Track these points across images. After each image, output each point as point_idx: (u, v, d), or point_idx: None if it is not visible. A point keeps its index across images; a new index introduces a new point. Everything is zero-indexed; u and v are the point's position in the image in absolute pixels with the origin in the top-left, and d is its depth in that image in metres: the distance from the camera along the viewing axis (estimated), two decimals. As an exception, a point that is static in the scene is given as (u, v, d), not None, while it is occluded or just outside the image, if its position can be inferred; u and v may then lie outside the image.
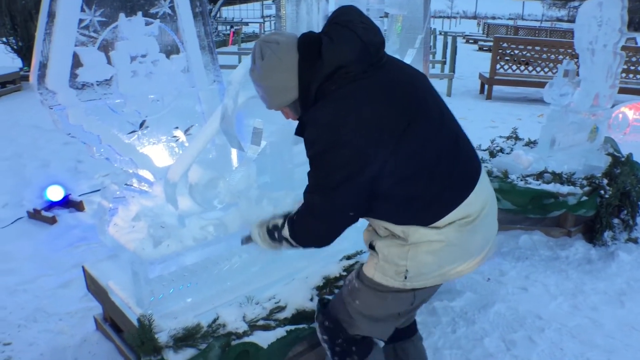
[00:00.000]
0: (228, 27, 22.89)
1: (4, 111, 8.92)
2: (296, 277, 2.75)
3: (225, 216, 2.50)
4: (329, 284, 2.71)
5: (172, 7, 2.62)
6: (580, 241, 4.28)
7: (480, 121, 8.59)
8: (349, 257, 2.90)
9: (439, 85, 10.92)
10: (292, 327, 2.46)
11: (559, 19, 46.61)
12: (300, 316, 2.52)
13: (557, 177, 4.23)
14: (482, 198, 1.96)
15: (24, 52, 11.92)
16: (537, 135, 4.87)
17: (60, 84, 2.23)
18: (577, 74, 4.62)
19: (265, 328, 2.41)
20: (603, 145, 4.95)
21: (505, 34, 24.23)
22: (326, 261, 2.85)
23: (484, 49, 20.70)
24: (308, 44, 1.81)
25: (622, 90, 6.95)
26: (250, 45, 12.30)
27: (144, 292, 2.41)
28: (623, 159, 4.62)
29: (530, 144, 5.08)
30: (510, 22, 33.49)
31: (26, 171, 5.91)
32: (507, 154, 4.79)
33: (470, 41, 24.73)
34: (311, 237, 2.01)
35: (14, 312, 3.31)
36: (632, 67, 10.25)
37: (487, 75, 10.73)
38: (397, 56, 3.37)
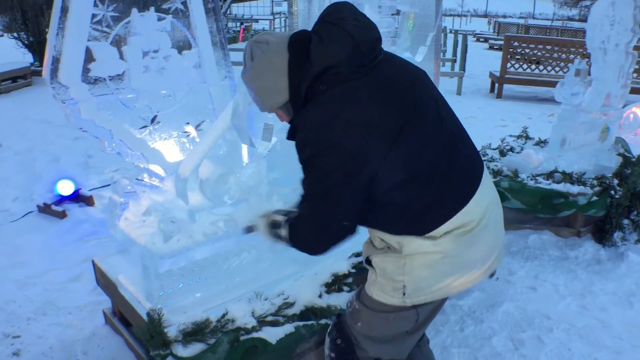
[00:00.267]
0: (238, 24, 22.92)
1: (14, 106, 8.98)
2: (305, 274, 2.76)
3: (236, 212, 2.51)
4: (337, 281, 2.71)
5: (184, 3, 2.63)
6: (590, 241, 4.26)
7: (490, 120, 8.57)
8: (358, 254, 2.89)
9: (449, 84, 10.91)
10: (301, 323, 2.47)
11: (570, 18, 46.31)
12: (309, 312, 2.53)
13: (568, 177, 4.21)
14: (482, 205, 1.86)
15: (35, 47, 12.01)
16: (547, 134, 4.86)
17: (73, 79, 2.24)
18: (589, 74, 4.60)
19: (274, 324, 2.42)
20: (614, 146, 4.92)
21: (516, 32, 24.14)
22: (335, 258, 2.85)
23: (495, 47, 20.64)
24: (298, 43, 1.74)
25: (633, 91, 6.91)
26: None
27: (154, 287, 2.42)
28: (634, 160, 4.59)
29: (541, 143, 5.06)
30: (521, 21, 33.34)
31: (37, 166, 5.95)
32: (517, 153, 4.76)
33: (481, 40, 24.63)
34: (304, 245, 1.94)
35: (23, 305, 3.34)
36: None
37: (498, 74, 10.68)
38: (407, 54, 3.39)
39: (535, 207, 4.15)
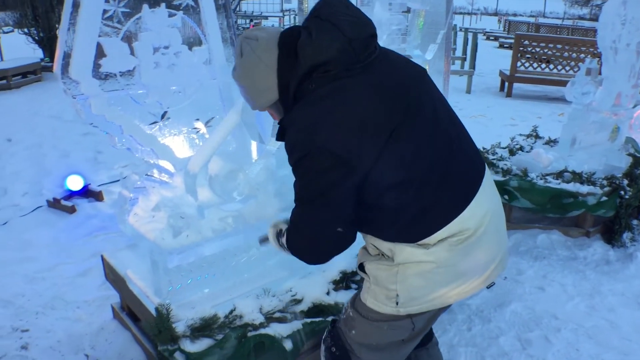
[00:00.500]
0: (248, 21, 22.95)
1: (24, 101, 9.03)
2: (313, 271, 2.76)
3: (244, 208, 2.51)
4: (345, 279, 2.72)
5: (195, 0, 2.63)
6: (599, 242, 4.24)
7: (499, 119, 8.54)
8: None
9: (459, 82, 10.88)
10: (308, 320, 2.47)
11: (580, 17, 46.02)
12: (316, 309, 2.53)
13: (577, 177, 4.19)
14: (481, 212, 1.74)
15: (45, 43, 12.08)
16: (557, 133, 4.84)
17: (84, 74, 2.25)
18: (600, 73, 4.57)
19: (281, 320, 2.43)
20: (624, 146, 4.89)
21: (526, 31, 23.97)
22: (344, 255, 2.83)
23: (505, 46, 20.56)
24: (288, 40, 1.67)
25: (644, 90, 6.86)
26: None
27: (163, 282, 2.43)
28: (644, 160, 4.57)
29: (551, 142, 5.04)
30: (532, 20, 33.13)
31: (46, 161, 5.99)
32: (527, 152, 4.75)
33: (491, 38, 24.52)
34: (301, 253, 1.86)
35: (32, 299, 3.36)
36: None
37: (508, 73, 10.63)
38: (417, 51, 3.38)
39: (545, 207, 4.14)
